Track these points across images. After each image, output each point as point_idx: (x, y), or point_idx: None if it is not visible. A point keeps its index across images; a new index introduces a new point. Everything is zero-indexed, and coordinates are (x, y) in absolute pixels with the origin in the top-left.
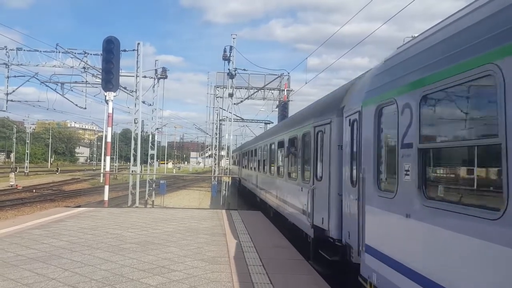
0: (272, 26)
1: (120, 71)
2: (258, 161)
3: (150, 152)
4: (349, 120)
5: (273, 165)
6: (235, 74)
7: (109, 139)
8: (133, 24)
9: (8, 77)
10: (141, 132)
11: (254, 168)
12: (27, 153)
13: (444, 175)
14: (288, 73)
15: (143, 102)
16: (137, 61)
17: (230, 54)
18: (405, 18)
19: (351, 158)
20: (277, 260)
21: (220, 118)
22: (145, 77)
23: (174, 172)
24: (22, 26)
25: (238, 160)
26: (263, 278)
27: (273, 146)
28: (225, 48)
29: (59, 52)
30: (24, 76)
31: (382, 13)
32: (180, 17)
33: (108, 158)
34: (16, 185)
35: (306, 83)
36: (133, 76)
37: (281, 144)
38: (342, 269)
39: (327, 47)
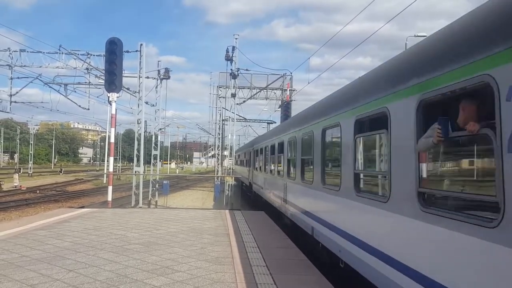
0: (274, 26)
1: (123, 72)
2: (289, 160)
3: (153, 152)
4: None
5: (332, 169)
6: (238, 74)
7: (112, 140)
8: (136, 25)
9: (11, 78)
10: (144, 132)
11: (279, 172)
12: (30, 154)
13: None
14: (291, 73)
15: (146, 102)
16: (140, 62)
17: (232, 54)
18: (407, 17)
19: None
20: (281, 261)
21: (223, 118)
22: (148, 77)
23: (177, 172)
24: (25, 27)
25: (248, 160)
26: (267, 279)
27: (335, 134)
28: (227, 48)
29: (62, 54)
30: (27, 77)
31: (384, 12)
32: (182, 18)
33: (111, 158)
34: (20, 186)
35: (308, 83)
36: (136, 77)
37: (368, 124)
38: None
39: (329, 47)
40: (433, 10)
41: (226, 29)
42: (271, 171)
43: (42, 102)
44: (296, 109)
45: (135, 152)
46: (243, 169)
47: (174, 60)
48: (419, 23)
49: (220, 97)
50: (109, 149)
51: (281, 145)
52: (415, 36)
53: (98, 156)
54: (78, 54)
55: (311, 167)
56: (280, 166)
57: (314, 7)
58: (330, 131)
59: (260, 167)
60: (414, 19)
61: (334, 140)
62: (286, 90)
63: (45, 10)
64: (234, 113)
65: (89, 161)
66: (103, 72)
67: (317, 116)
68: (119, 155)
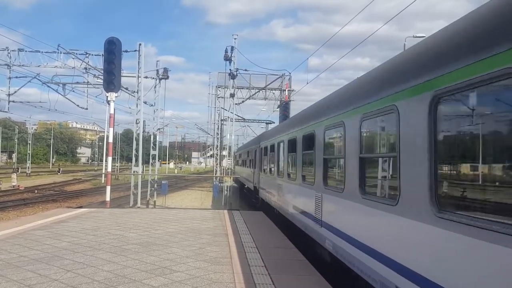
0: (273, 26)
1: (121, 71)
2: (327, 161)
3: (152, 152)
4: None
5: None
6: (237, 74)
7: (110, 140)
8: (135, 25)
9: (10, 78)
10: (143, 132)
11: (304, 178)
12: (28, 153)
13: None
14: (290, 73)
15: (145, 102)
16: (138, 61)
17: (231, 55)
18: (406, 18)
19: None
20: (280, 261)
21: (222, 118)
22: (146, 77)
23: (176, 172)
24: (25, 27)
25: (252, 160)
26: (265, 279)
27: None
28: (226, 48)
29: (61, 53)
30: (25, 77)
31: (383, 12)
32: (182, 18)
33: (109, 158)
34: (18, 186)
35: (307, 83)
36: (135, 77)
37: None
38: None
39: (328, 48)
40: (433, 11)
41: (225, 29)
42: (289, 175)
43: (40, 102)
44: (295, 109)
45: (134, 152)
46: (246, 171)
47: (173, 60)
48: (418, 24)
49: (219, 97)
50: (107, 149)
51: (309, 139)
52: (414, 36)
53: (97, 156)
54: (76, 54)
55: (392, 173)
56: (308, 170)
57: (313, 7)
58: (455, 99)
59: (270, 170)
60: (413, 19)
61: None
62: (285, 90)
63: (44, 10)
64: (232, 113)
65: (87, 161)
66: (102, 71)
67: (422, 70)
68: (118, 155)
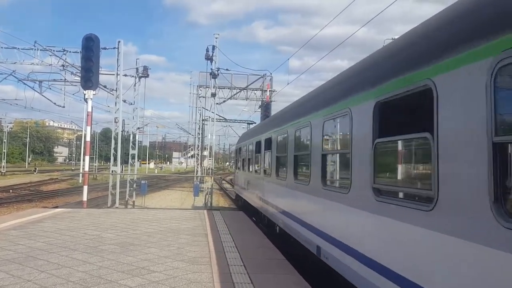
0: (253, 28)
1: (100, 69)
2: None
3: (131, 151)
4: None
5: None
6: (218, 74)
7: (88, 139)
8: (115, 24)
9: None
10: (122, 131)
11: None
12: (4, 152)
13: None
14: (271, 74)
15: (124, 101)
16: (117, 59)
17: (212, 54)
18: (384, 21)
19: None
20: (259, 260)
21: (203, 118)
22: (125, 75)
23: (156, 172)
24: (2, 24)
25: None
26: (244, 278)
27: None
28: (207, 47)
29: (38, 50)
30: (1, 74)
31: (362, 16)
32: (163, 17)
33: (87, 157)
34: None
35: (288, 83)
36: (114, 75)
37: None
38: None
39: (308, 49)
40: (410, 16)
41: (207, 30)
42: None
43: (16, 99)
44: (276, 109)
45: (112, 151)
46: (259, 181)
47: (154, 59)
48: (397, 27)
49: (200, 97)
50: (85, 148)
51: None
52: (392, 39)
53: (74, 155)
54: (53, 51)
55: None
56: None
57: (292, 9)
58: None
59: None
60: (392, 23)
61: None
62: (266, 90)
63: (22, 6)
64: (214, 113)
65: (65, 160)
66: (80, 69)
67: None
68: (96, 154)
